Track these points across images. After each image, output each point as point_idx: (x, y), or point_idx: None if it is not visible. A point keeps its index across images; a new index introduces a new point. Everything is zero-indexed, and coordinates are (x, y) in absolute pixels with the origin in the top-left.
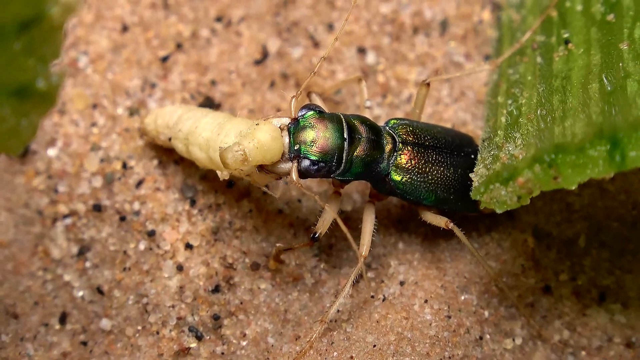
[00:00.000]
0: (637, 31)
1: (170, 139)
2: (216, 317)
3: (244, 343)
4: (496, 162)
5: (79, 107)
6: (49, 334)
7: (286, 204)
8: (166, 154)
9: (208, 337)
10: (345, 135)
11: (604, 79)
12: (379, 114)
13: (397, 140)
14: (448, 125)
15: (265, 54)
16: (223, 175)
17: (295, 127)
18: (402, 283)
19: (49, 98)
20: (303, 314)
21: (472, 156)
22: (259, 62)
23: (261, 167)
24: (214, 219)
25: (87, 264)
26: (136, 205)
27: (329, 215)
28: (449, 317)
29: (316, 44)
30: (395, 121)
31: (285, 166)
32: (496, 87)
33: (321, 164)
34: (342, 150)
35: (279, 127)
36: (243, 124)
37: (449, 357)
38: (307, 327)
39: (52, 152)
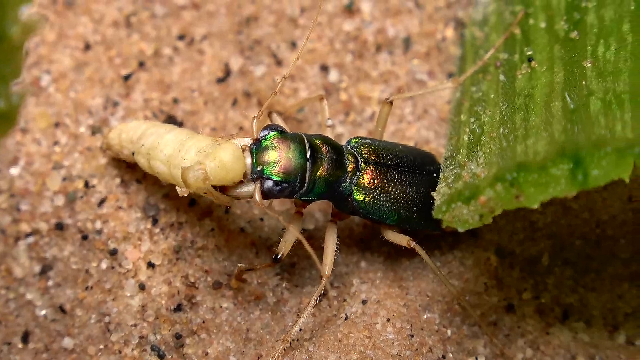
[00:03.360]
0: (601, 49)
1: (133, 154)
2: (178, 336)
3: None
4: (458, 180)
5: (41, 125)
6: (12, 353)
7: (248, 223)
8: (128, 173)
9: (170, 356)
10: (308, 156)
11: (567, 97)
12: (342, 132)
13: (359, 159)
14: (411, 144)
15: (227, 72)
16: (182, 191)
17: (257, 148)
18: (364, 302)
19: (9, 118)
20: (265, 332)
21: (435, 175)
22: (221, 81)
23: (224, 191)
24: (176, 238)
25: (50, 283)
26: (98, 224)
27: (291, 236)
28: (412, 335)
29: (279, 62)
30: (357, 140)
31: (248, 189)
32: (459, 105)
33: (284, 184)
34: (305, 170)
35: (241, 148)
36: (204, 141)
37: None
38: (269, 346)
39: (14, 170)
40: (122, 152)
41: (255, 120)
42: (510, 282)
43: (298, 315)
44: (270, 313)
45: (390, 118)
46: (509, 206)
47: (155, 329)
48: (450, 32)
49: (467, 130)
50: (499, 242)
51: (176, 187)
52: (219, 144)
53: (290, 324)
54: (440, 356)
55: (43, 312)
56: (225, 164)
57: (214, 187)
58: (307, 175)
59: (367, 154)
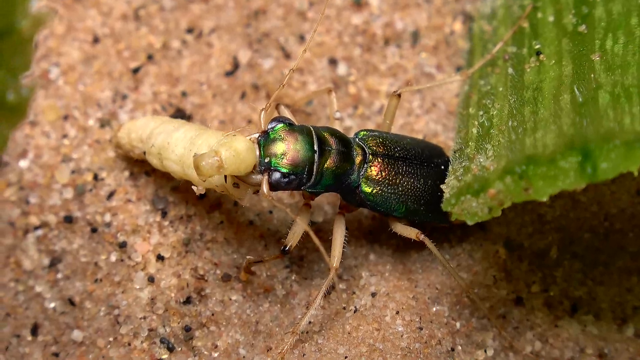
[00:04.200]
0: (609, 42)
1: (145, 153)
2: (187, 329)
3: (216, 354)
4: (467, 173)
5: (50, 118)
6: (21, 345)
7: (257, 216)
8: (137, 166)
9: (179, 349)
10: (316, 148)
11: (576, 90)
12: (350, 125)
13: (367, 151)
14: (419, 137)
15: (236, 65)
16: (199, 190)
17: (265, 140)
18: (373, 294)
19: (19, 110)
20: (274, 325)
21: (443, 167)
22: (229, 74)
23: (232, 179)
24: (185, 231)
25: (59, 275)
26: (107, 217)
27: (299, 228)
28: (421, 328)
29: (287, 55)
30: (365, 133)
31: (257, 178)
32: (467, 98)
33: (292, 176)
34: (313, 162)
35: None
36: (214, 137)
37: None
38: (278, 338)
39: (23, 163)
40: (134, 151)
41: (263, 112)
42: (519, 275)
43: (307, 307)
44: (279, 305)
45: (398, 111)
46: (518, 199)
47: (165, 322)
48: (458, 26)
49: (476, 123)
50: (508, 235)
51: (192, 186)
52: (234, 135)
53: (299, 316)
54: (449, 349)
55: (52, 304)
56: (240, 154)
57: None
58: (315, 167)
59: (374, 146)
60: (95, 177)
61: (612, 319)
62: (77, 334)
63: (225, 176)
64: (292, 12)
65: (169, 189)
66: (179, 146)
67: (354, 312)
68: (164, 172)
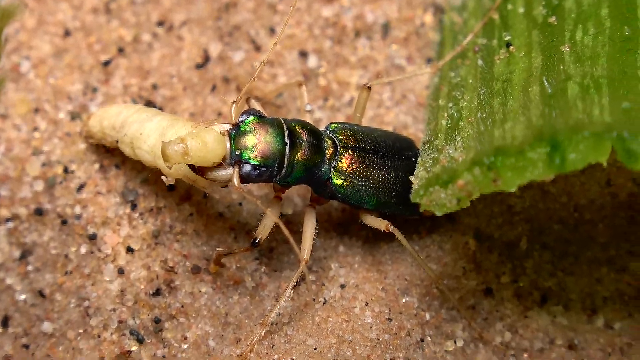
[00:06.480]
0: (579, 34)
1: (117, 142)
2: (157, 321)
3: (185, 346)
4: (436, 164)
5: (21, 111)
6: None
7: (227, 208)
8: (107, 158)
9: (149, 340)
10: (286, 140)
11: (545, 81)
12: (321, 117)
13: (337, 144)
14: (389, 129)
15: (206, 58)
16: (168, 180)
17: (236, 133)
18: (342, 286)
19: None
20: (244, 317)
21: (413, 159)
22: (200, 66)
23: (202, 173)
24: (155, 223)
25: (29, 268)
26: (77, 209)
27: (269, 220)
28: (390, 319)
29: (257, 48)
30: (335, 125)
31: (226, 173)
32: (437, 90)
33: (262, 168)
34: (284, 154)
35: (221, 133)
36: (185, 130)
37: None
38: (247, 330)
39: None
40: (106, 139)
41: (234, 105)
42: (489, 266)
43: (277, 299)
44: (249, 297)
45: (368, 103)
46: (486, 190)
47: (134, 314)
48: (429, 18)
49: (446, 115)
50: (478, 226)
51: (162, 177)
52: (204, 127)
53: (268, 308)
54: (419, 340)
55: (22, 296)
56: (207, 144)
57: (193, 170)
58: (286, 159)
59: (345, 138)
60: (66, 170)
61: (582, 309)
62: (47, 326)
63: (194, 167)
64: (263, 4)
65: (138, 181)
66: (152, 137)
67: (323, 303)
68: (135, 162)
